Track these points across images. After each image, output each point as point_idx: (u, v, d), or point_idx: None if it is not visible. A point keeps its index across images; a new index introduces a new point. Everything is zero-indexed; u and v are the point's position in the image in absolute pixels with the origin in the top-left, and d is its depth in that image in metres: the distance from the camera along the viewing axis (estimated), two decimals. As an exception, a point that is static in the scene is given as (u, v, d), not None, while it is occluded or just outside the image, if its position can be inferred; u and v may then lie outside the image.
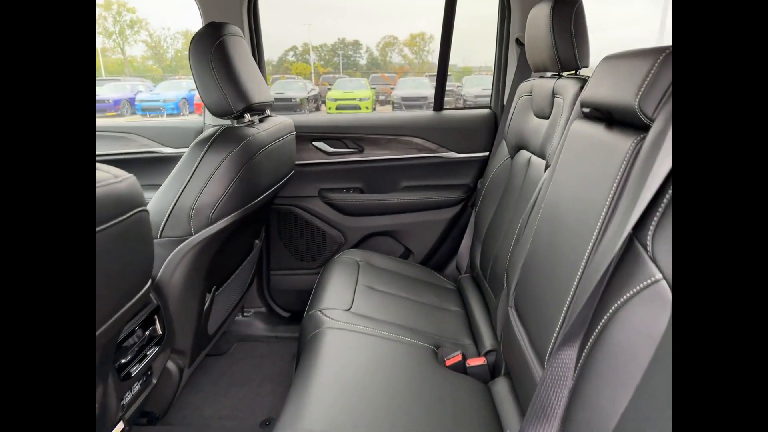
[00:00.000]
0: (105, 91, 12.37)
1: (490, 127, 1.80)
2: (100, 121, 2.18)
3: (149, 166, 1.76)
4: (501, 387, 1.02)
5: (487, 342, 1.19)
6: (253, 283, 1.80)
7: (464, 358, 1.12)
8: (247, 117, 1.25)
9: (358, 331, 1.13)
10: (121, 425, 0.96)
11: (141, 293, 0.73)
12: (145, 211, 0.70)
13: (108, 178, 0.62)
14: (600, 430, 0.59)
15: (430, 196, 1.80)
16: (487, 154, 1.79)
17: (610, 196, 0.71)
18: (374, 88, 13.33)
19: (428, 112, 1.84)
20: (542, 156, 1.22)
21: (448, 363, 1.11)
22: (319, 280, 1.43)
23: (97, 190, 0.59)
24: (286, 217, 1.82)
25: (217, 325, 1.41)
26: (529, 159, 1.32)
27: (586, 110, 0.85)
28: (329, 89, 12.98)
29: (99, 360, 0.74)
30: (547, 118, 1.23)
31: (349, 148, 1.80)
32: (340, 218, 1.82)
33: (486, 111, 1.85)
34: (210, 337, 1.38)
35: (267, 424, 1.36)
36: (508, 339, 1.01)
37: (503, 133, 1.60)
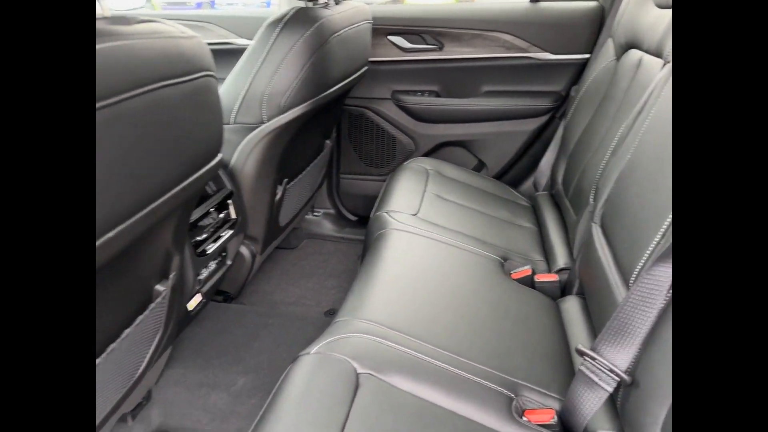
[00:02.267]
0: (185, -9, 12.50)
1: (595, 23, 1.55)
2: (178, 12, 2.18)
3: (224, 59, 1.74)
4: (571, 305, 0.97)
5: (561, 260, 1.12)
6: (323, 184, 1.82)
7: (533, 273, 1.07)
8: None
9: (424, 236, 1.10)
10: (199, 297, 1.04)
11: (211, 164, 0.73)
12: (213, 77, 0.68)
13: (173, 31, 0.59)
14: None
15: (514, 104, 1.64)
16: (587, 56, 1.55)
17: None
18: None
19: (522, 4, 1.61)
20: (658, 54, 1.02)
21: (515, 276, 1.06)
22: (386, 184, 1.40)
23: (162, 41, 0.56)
24: (357, 119, 1.76)
25: (288, 218, 1.46)
26: (640, 59, 1.12)
27: None
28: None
29: (174, 229, 0.78)
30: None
31: (427, 44, 1.65)
32: (411, 124, 1.73)
33: (592, 3, 1.58)
34: (281, 228, 1.44)
35: (331, 313, 1.43)
36: (588, 257, 0.93)
37: (610, 29, 1.37)
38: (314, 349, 0.73)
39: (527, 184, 1.73)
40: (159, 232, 0.73)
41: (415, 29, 1.64)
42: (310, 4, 1.14)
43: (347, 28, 1.22)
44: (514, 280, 1.04)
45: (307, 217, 1.86)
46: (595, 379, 0.63)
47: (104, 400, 0.76)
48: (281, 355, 1.21)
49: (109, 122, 0.49)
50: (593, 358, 0.64)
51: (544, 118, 1.64)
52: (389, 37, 1.66)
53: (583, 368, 0.65)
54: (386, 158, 1.81)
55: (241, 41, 1.76)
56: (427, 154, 1.77)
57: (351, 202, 1.90)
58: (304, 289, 1.55)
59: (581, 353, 0.66)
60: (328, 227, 1.86)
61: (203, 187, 0.77)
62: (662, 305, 0.59)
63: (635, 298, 0.61)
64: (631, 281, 0.71)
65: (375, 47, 1.65)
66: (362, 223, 1.87)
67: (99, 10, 0.58)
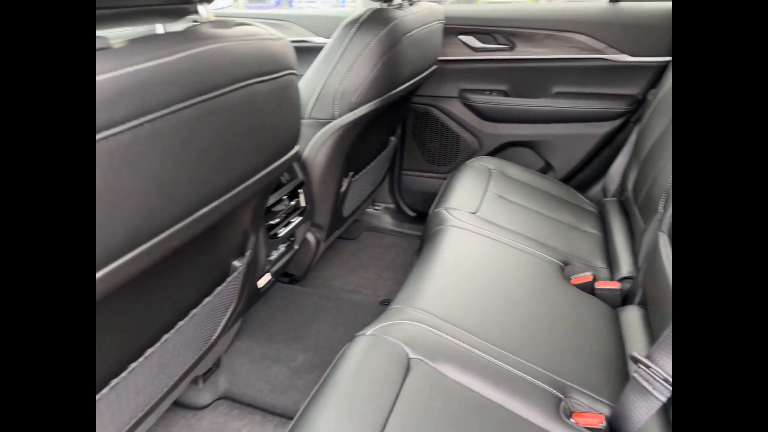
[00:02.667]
0: (264, -11, 13.09)
1: None
2: (259, 11, 2.32)
3: (301, 56, 1.85)
4: (632, 314, 0.94)
5: (624, 268, 1.09)
6: (385, 180, 1.87)
7: (594, 280, 1.05)
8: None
9: (482, 234, 1.11)
10: (268, 276, 1.13)
11: (290, 154, 0.80)
12: (296, 74, 0.75)
13: (264, 34, 0.67)
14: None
15: (587, 106, 1.59)
16: (667, 59, 1.48)
17: None
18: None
19: (600, 4, 1.55)
20: None
21: (575, 281, 1.05)
22: (447, 182, 1.43)
23: (255, 43, 0.63)
24: (423, 117, 1.79)
25: (350, 210, 1.53)
26: None
27: None
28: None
29: (252, 212, 0.86)
30: None
31: (498, 43, 1.64)
32: (477, 123, 1.73)
33: None
34: (344, 219, 1.51)
35: (386, 303, 1.49)
36: (653, 266, 0.90)
37: None
38: (369, 331, 0.77)
39: (596, 189, 1.68)
40: (240, 214, 0.81)
41: (487, 29, 1.63)
42: (385, 5, 1.19)
43: (419, 29, 1.26)
44: (573, 285, 1.03)
45: (368, 210, 1.93)
46: (649, 387, 0.63)
47: (183, 360, 0.86)
48: (338, 336, 1.28)
49: (212, 113, 0.57)
50: (648, 366, 0.63)
51: (617, 122, 1.58)
52: (460, 37, 1.67)
53: (636, 375, 0.65)
54: (449, 156, 1.83)
55: (317, 39, 1.85)
56: (492, 154, 1.77)
57: (411, 197, 1.94)
58: (361, 278, 1.62)
59: (635, 360, 0.65)
60: (387, 221, 1.92)
61: (280, 174, 0.84)
62: (726, 319, 0.57)
63: (697, 310, 0.59)
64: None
65: (445, 46, 1.67)
66: (421, 219, 1.90)
67: (204, 14, 0.66)
